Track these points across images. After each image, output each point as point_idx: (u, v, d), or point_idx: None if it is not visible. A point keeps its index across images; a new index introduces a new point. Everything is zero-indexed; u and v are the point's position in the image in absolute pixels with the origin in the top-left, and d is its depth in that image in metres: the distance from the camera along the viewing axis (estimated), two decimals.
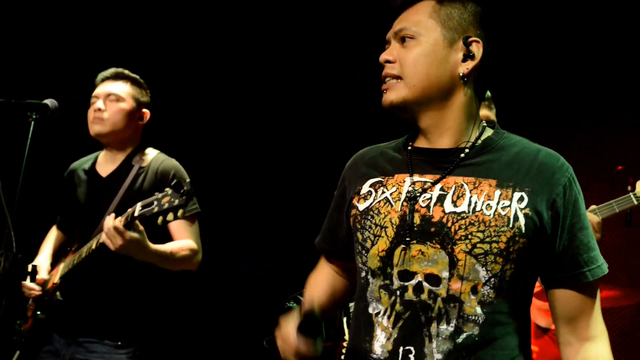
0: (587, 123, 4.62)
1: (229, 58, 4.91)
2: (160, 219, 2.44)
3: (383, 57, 1.60)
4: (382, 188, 1.64)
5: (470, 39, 1.57)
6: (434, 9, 1.58)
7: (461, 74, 1.57)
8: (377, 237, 1.58)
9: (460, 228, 1.50)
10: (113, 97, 2.95)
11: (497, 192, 1.52)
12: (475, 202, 1.52)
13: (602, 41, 4.37)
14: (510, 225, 1.48)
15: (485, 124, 1.65)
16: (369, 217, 1.61)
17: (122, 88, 2.99)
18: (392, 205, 1.59)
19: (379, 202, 1.62)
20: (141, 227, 2.52)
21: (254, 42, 4.84)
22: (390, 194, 1.61)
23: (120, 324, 2.81)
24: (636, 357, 4.42)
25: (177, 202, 2.41)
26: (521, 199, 1.51)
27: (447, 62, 1.56)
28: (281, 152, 5.04)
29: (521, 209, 1.50)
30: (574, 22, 4.39)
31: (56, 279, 2.95)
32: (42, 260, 3.08)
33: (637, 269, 4.59)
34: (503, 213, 1.50)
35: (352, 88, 4.44)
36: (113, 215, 2.54)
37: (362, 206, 1.64)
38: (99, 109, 2.92)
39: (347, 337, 3.16)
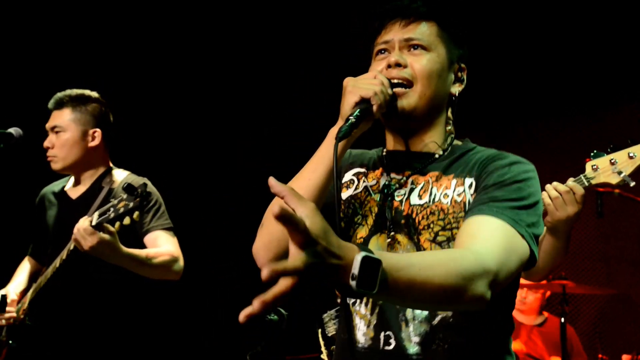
0: (563, 116, 4.69)
1: (208, 70, 4.94)
2: (117, 224, 2.46)
3: (394, 59, 1.61)
4: (363, 178, 1.71)
5: (462, 65, 1.70)
6: (438, 30, 1.66)
7: (456, 94, 1.68)
8: (357, 225, 1.65)
9: (423, 218, 1.57)
10: (56, 129, 2.91)
11: (454, 182, 1.60)
12: (435, 194, 1.59)
13: (578, 38, 4.46)
14: (466, 210, 1.54)
15: (453, 134, 1.73)
16: (351, 206, 1.67)
17: (62, 117, 2.92)
18: (371, 195, 1.67)
19: (361, 191, 1.68)
20: (112, 229, 2.51)
21: (234, 55, 4.88)
22: (371, 186, 1.68)
23: (92, 348, 2.77)
24: (614, 342, 4.46)
25: (131, 204, 2.42)
26: (471, 185, 1.58)
27: (447, 80, 1.66)
28: (266, 165, 5.03)
29: (472, 194, 1.56)
30: (555, 21, 4.49)
31: (26, 304, 2.93)
32: (11, 288, 3.04)
33: (615, 260, 4.64)
34: (459, 199, 1.56)
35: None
36: (85, 217, 2.54)
37: (345, 194, 1.71)
38: (47, 147, 2.91)
39: (323, 349, 3.16)
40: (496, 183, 1.52)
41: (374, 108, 1.53)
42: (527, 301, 4.30)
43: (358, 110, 1.51)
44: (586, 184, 2.49)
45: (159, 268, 2.75)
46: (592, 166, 2.50)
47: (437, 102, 1.64)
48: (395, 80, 1.60)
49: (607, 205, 3.18)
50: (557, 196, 2.42)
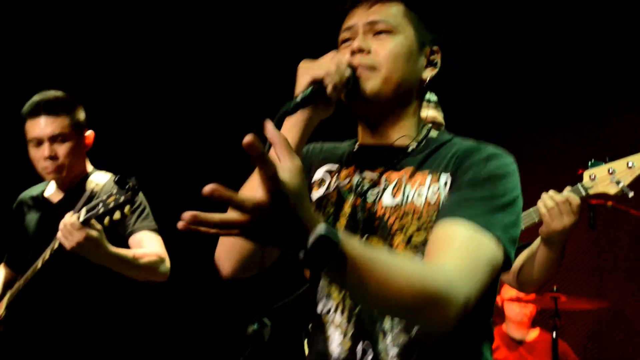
0: (556, 125, 4.66)
1: (207, 70, 4.90)
2: (107, 219, 2.37)
3: (357, 45, 1.51)
4: (335, 176, 1.61)
5: (435, 48, 1.60)
6: (406, 11, 1.56)
7: (427, 79, 1.58)
8: None
9: (396, 219, 1.48)
10: (59, 138, 2.73)
11: (428, 178, 1.49)
12: (409, 193, 1.49)
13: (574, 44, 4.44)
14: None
15: (430, 126, 1.64)
16: (322, 207, 1.58)
17: (62, 124, 2.74)
18: (343, 197, 1.57)
19: (332, 191, 1.59)
20: (99, 226, 2.43)
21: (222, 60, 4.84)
22: (343, 186, 1.58)
23: (78, 350, 2.69)
24: (607, 356, 4.41)
25: (122, 198, 2.34)
26: (446, 183, 1.47)
27: (417, 64, 1.56)
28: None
29: (447, 192, 1.46)
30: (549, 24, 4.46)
31: (2, 310, 2.83)
32: None
33: (608, 272, 4.59)
34: (434, 198, 1.46)
35: None
36: (71, 213, 2.45)
37: (316, 194, 1.61)
38: (50, 157, 2.72)
39: None
40: (470, 180, 1.42)
41: (328, 89, 1.42)
42: (526, 312, 4.21)
43: (309, 89, 1.41)
44: (583, 193, 2.41)
45: (145, 269, 2.65)
46: (589, 175, 2.42)
47: (405, 88, 1.53)
48: (360, 68, 1.50)
49: (600, 217, 3.12)
50: (553, 206, 2.34)
